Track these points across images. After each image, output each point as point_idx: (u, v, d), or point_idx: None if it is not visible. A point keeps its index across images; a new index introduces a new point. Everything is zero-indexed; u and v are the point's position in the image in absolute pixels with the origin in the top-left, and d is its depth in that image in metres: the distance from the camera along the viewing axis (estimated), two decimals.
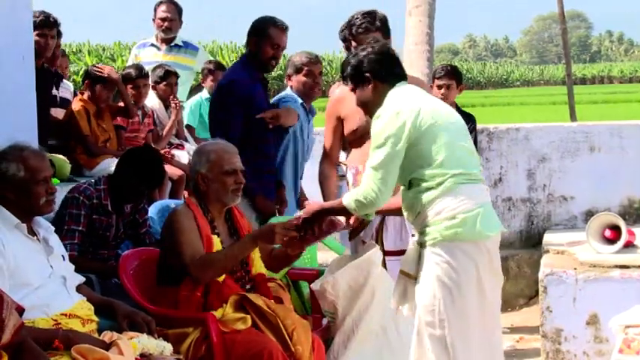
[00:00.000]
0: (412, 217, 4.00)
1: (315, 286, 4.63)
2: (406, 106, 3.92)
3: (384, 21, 4.96)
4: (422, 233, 3.93)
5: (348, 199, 4.01)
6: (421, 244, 3.96)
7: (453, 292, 3.86)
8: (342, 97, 5.09)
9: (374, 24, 4.89)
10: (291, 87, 5.92)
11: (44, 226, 3.85)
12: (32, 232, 3.76)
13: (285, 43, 5.48)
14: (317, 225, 4.23)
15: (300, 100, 5.83)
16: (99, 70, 6.37)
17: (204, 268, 4.11)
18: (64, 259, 3.89)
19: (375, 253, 4.66)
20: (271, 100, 5.88)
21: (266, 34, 5.38)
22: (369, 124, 4.90)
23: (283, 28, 5.44)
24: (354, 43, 4.92)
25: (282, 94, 5.94)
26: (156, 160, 5.12)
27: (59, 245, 3.92)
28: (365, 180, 3.95)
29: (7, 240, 3.58)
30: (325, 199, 5.06)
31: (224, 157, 4.31)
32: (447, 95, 6.56)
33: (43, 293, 3.63)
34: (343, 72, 4.19)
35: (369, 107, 4.14)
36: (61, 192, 4.70)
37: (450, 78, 6.65)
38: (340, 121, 5.09)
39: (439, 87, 6.61)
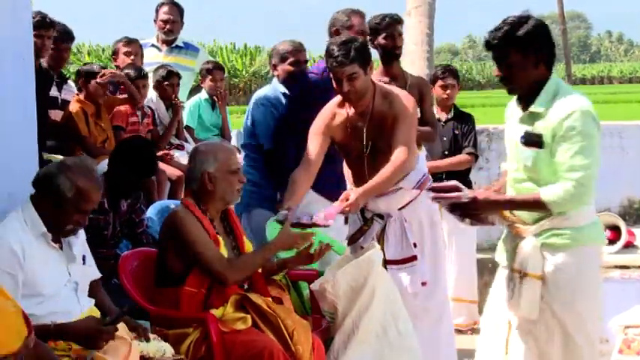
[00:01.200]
0: (537, 217, 3.86)
1: (315, 286, 4.63)
2: (593, 111, 3.72)
3: (360, 49, 4.74)
4: (557, 235, 3.83)
5: (549, 195, 3.69)
6: (551, 246, 3.84)
7: (599, 293, 3.89)
8: (332, 113, 4.92)
9: (348, 56, 4.68)
10: (278, 76, 5.89)
11: None
12: (57, 238, 3.74)
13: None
14: (475, 215, 4.01)
15: (282, 91, 5.77)
16: (108, 75, 6.39)
17: (240, 272, 4.20)
18: (84, 261, 3.87)
19: (374, 253, 4.66)
20: (252, 99, 5.89)
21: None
22: (359, 149, 4.87)
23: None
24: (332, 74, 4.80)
25: (262, 92, 5.89)
26: (145, 146, 5.20)
27: (81, 246, 3.89)
28: (570, 176, 3.67)
29: (30, 248, 3.57)
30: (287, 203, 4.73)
31: (230, 157, 4.33)
32: (451, 95, 6.59)
33: (54, 303, 3.60)
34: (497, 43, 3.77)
35: (527, 91, 3.77)
36: None
37: (454, 78, 6.67)
38: (328, 138, 4.91)
39: (444, 87, 6.61)
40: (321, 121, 4.94)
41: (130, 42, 7.07)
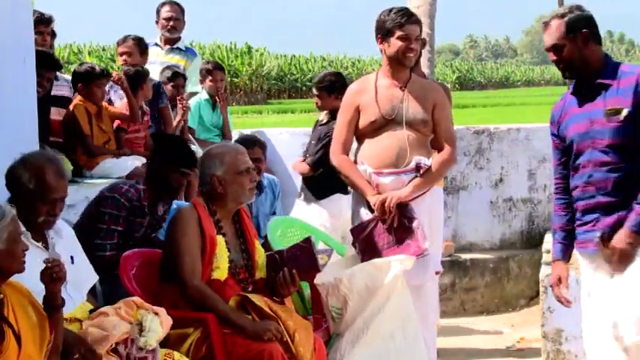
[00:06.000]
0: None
1: (329, 278, 4.60)
2: None
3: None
4: None
5: None
6: None
7: None
8: (361, 88, 5.11)
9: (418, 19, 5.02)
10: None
11: (55, 227, 3.82)
12: (40, 236, 3.74)
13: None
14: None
15: None
16: (117, 78, 6.40)
17: (198, 298, 4.12)
18: (72, 261, 3.86)
19: (394, 260, 4.64)
20: None
21: None
22: (387, 116, 4.94)
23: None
24: None
25: None
26: (181, 139, 5.48)
27: (69, 246, 3.88)
28: None
29: None
30: (358, 185, 5.00)
31: (237, 157, 4.33)
32: (318, 104, 6.72)
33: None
34: None
35: None
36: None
37: (319, 89, 6.72)
38: (357, 112, 5.08)
39: (313, 95, 6.80)
40: (348, 95, 5.18)
41: (123, 40, 6.97)
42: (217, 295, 4.15)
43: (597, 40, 4.07)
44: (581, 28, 4.02)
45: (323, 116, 6.69)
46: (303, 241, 4.42)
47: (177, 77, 7.09)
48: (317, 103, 6.70)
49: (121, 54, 6.98)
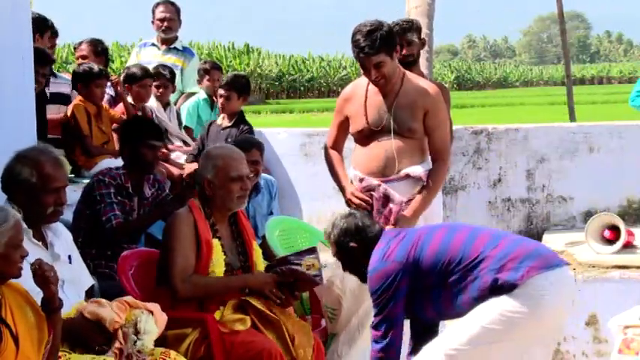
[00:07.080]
0: None
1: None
2: None
3: (386, 37, 4.77)
4: None
5: None
6: None
7: None
8: (350, 95, 5.09)
9: (374, 46, 4.72)
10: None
11: (53, 228, 3.83)
12: (40, 236, 3.75)
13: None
14: None
15: None
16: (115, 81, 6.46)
17: (193, 290, 4.12)
18: (70, 261, 3.88)
19: None
20: None
21: None
22: (374, 127, 4.93)
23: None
24: None
25: None
26: (144, 117, 5.88)
27: (66, 247, 3.89)
28: None
29: None
30: (339, 182, 5.09)
31: (231, 164, 4.27)
32: (224, 105, 6.71)
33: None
34: None
35: None
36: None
37: (229, 89, 6.74)
38: (346, 119, 5.08)
39: (220, 96, 6.74)
40: (339, 100, 5.15)
41: (79, 44, 7.06)
42: (208, 279, 4.16)
43: None
44: None
45: (222, 120, 6.70)
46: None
47: (162, 77, 7.10)
48: (222, 104, 6.68)
49: (78, 57, 7.09)
